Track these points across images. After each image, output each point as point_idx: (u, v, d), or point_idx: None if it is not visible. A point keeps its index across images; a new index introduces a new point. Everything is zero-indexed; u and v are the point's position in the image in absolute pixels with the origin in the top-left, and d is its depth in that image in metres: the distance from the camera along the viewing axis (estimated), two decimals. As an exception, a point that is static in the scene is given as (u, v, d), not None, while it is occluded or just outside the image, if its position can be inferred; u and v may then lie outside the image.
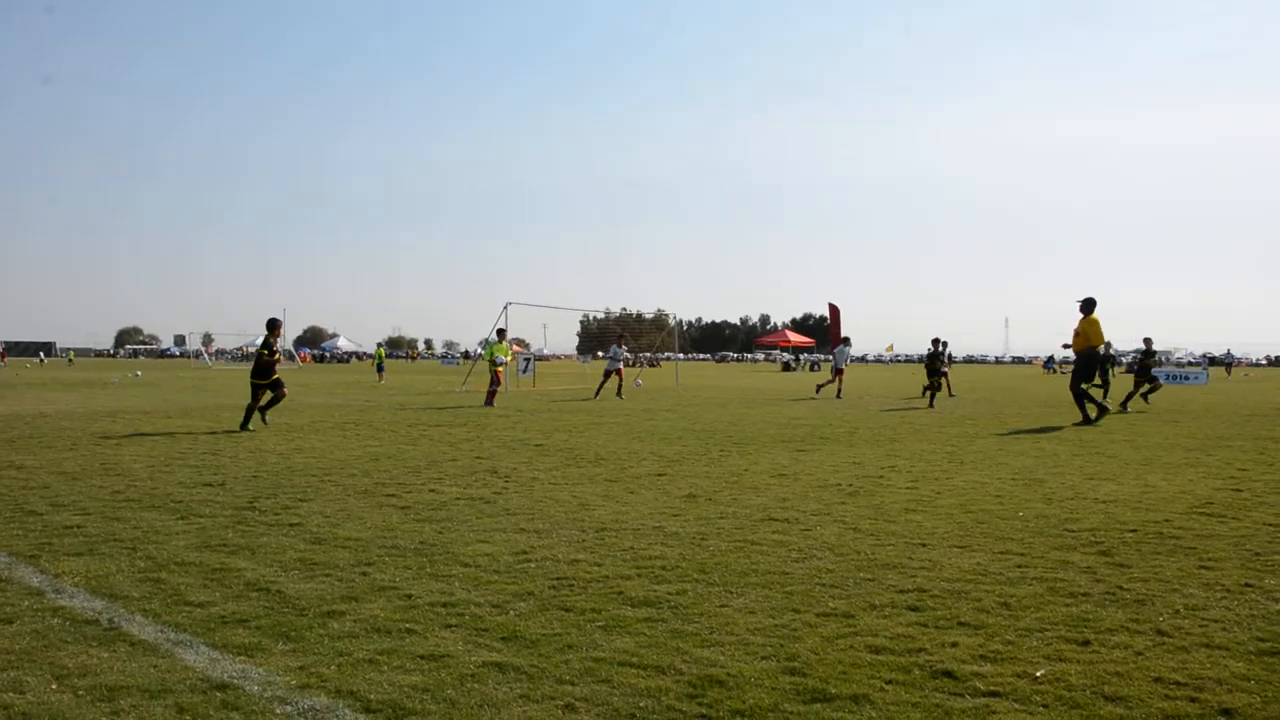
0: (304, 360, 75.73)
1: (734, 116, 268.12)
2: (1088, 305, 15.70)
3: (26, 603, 4.37)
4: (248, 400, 14.29)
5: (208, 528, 6.21)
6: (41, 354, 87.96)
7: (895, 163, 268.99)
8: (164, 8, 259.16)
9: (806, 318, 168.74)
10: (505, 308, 26.67)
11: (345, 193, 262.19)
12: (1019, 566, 5.23)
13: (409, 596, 4.53)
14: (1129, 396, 20.27)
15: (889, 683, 3.42)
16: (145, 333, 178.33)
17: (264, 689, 3.32)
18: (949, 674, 3.50)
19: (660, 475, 9.02)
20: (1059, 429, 14.75)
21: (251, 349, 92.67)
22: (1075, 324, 15.77)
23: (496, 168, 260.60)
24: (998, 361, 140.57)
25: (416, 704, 3.20)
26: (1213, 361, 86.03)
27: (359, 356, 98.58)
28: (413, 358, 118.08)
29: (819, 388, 26.49)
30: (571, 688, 3.36)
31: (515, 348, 20.44)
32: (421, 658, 3.66)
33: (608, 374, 24.42)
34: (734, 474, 9.13)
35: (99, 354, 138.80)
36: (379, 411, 17.86)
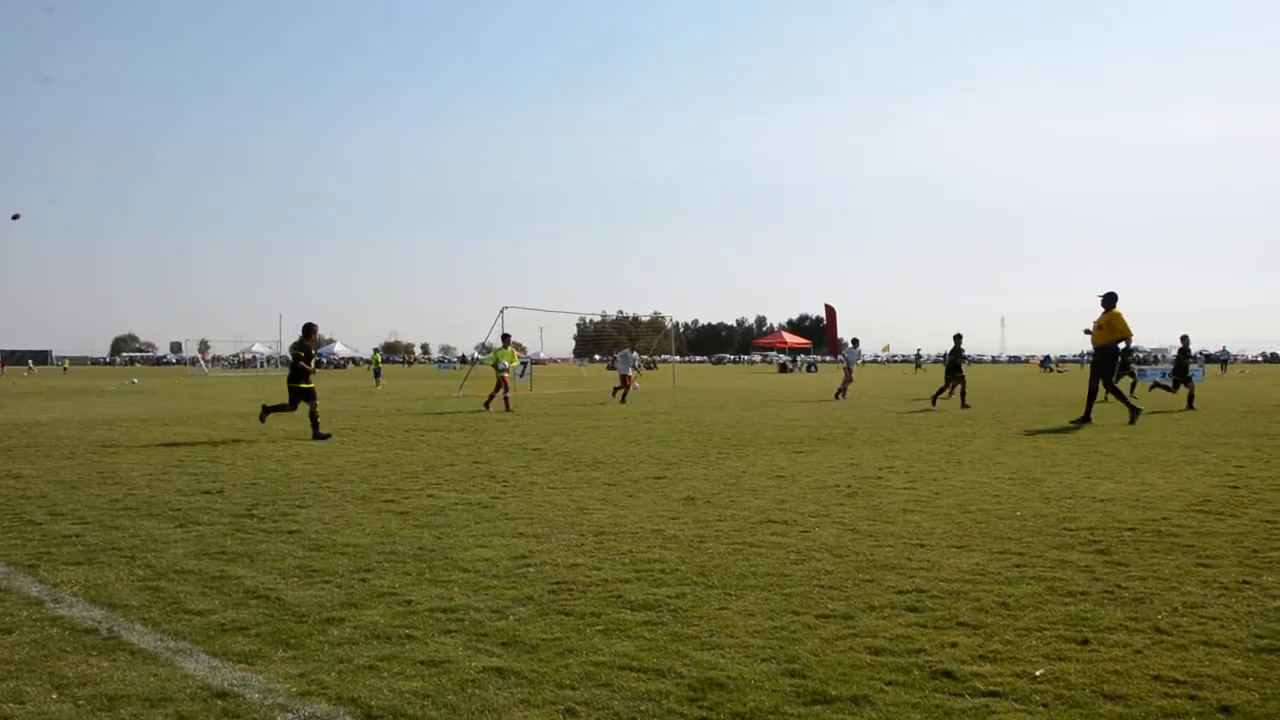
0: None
1: (733, 116, 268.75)
2: (1109, 299, 15.60)
3: (25, 612, 4.36)
4: (282, 401, 14.07)
5: (206, 535, 6.20)
6: (30, 362, 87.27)
7: (894, 162, 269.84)
8: (164, 8, 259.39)
9: (803, 319, 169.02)
10: (501, 312, 26.68)
11: (345, 193, 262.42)
12: (1017, 566, 5.23)
13: (408, 602, 4.53)
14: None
15: (889, 683, 3.42)
16: (141, 340, 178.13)
17: (264, 696, 3.32)
18: (948, 674, 3.51)
19: (658, 478, 9.02)
20: (1058, 429, 14.78)
21: (248, 355, 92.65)
22: (1096, 317, 15.74)
23: (496, 168, 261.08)
24: (994, 361, 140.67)
25: (417, 710, 3.20)
26: (1208, 359, 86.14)
27: (355, 362, 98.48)
28: (409, 362, 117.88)
29: (838, 392, 24.29)
30: (572, 692, 3.36)
31: (514, 353, 20.42)
32: (422, 663, 3.66)
33: (623, 377, 23.94)
34: (732, 476, 9.13)
35: (95, 362, 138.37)
36: (376, 417, 17.85)
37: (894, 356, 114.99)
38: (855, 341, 27.21)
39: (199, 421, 16.79)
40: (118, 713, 3.19)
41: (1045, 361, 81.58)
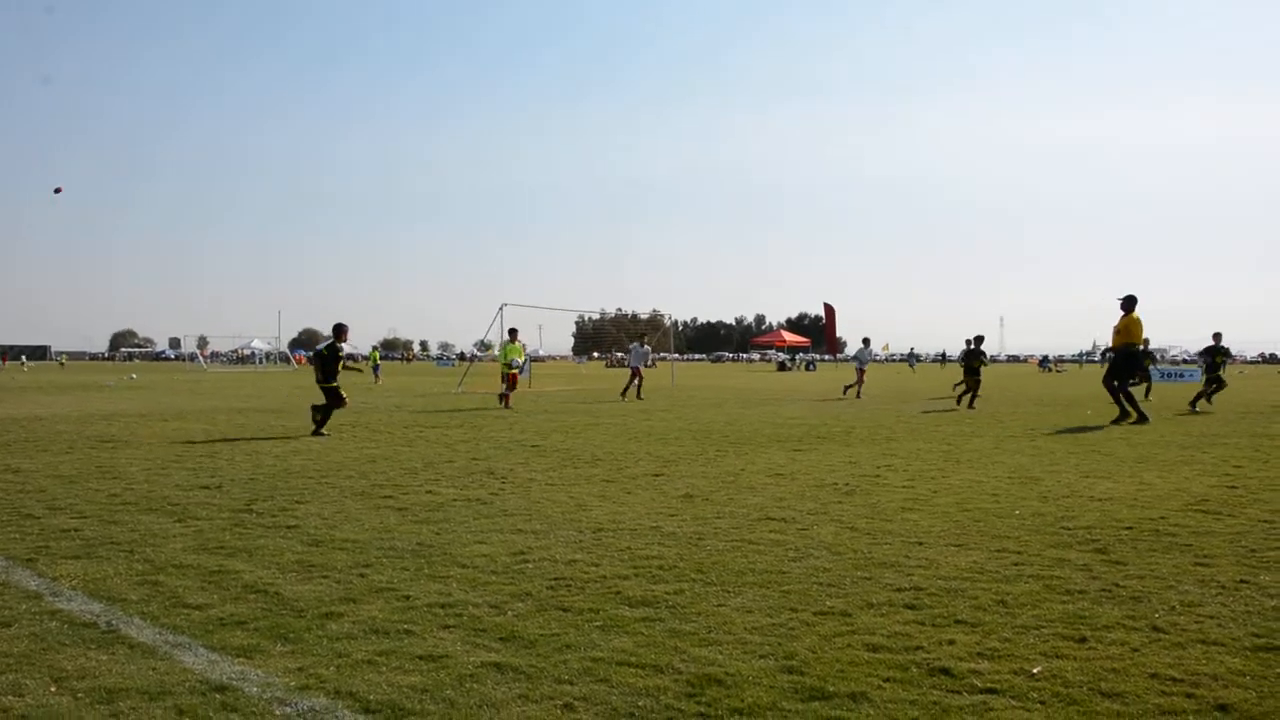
0: (299, 362, 75.52)
1: (733, 116, 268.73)
2: (1129, 303, 15.52)
3: (24, 606, 4.36)
4: (323, 403, 13.52)
5: (205, 530, 6.20)
6: (24, 357, 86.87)
7: (894, 162, 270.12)
8: (164, 8, 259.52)
9: (802, 317, 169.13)
10: (501, 309, 26.68)
11: (345, 193, 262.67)
12: (1015, 564, 5.24)
13: (407, 597, 4.53)
14: (1198, 397, 19.52)
15: (886, 680, 3.43)
16: (140, 336, 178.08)
17: (263, 690, 3.33)
18: (946, 671, 3.52)
19: (657, 475, 9.02)
20: (1057, 429, 14.79)
21: (247, 351, 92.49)
22: (1116, 322, 15.62)
23: (496, 168, 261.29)
24: (993, 360, 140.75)
25: (415, 704, 3.20)
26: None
27: (354, 359, 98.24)
28: (408, 359, 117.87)
29: (846, 389, 24.61)
30: (570, 687, 3.37)
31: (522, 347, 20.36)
32: (420, 658, 3.66)
33: (634, 371, 23.75)
34: (731, 474, 9.14)
35: (93, 357, 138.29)
36: (375, 413, 17.85)
37: (893, 356, 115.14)
38: (866, 341, 27.25)
39: (198, 417, 16.79)
40: (116, 706, 3.19)
41: (1044, 361, 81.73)
